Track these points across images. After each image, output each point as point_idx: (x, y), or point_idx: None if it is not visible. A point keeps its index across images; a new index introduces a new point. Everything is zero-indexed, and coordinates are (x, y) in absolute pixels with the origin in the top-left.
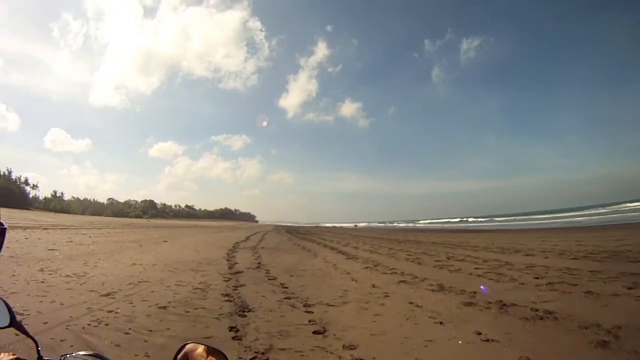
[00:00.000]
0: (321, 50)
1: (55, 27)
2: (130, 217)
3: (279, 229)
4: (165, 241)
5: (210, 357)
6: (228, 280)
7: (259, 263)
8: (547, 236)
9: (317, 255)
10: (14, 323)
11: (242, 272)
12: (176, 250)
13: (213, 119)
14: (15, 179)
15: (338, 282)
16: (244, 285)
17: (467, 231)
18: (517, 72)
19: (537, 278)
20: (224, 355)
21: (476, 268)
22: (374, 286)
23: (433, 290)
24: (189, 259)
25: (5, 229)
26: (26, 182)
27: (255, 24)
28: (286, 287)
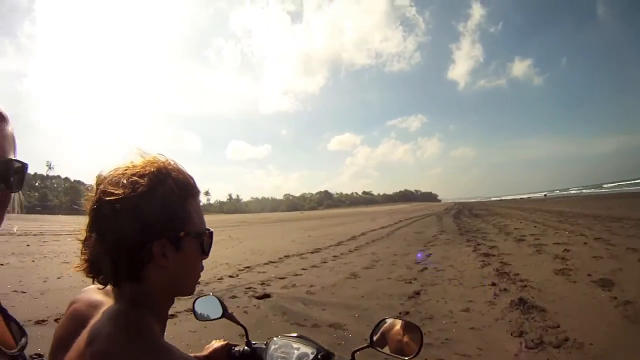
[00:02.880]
0: (477, 11)
1: (210, 53)
2: (305, 209)
3: (446, 212)
4: None
5: (407, 333)
6: None
7: None
8: None
9: None
10: (226, 314)
11: None
12: None
13: (385, 104)
14: None
15: None
16: None
17: None
18: None
19: None
20: (420, 331)
21: None
22: None
23: None
24: None
25: (212, 232)
26: None
27: (403, 0)
28: None
